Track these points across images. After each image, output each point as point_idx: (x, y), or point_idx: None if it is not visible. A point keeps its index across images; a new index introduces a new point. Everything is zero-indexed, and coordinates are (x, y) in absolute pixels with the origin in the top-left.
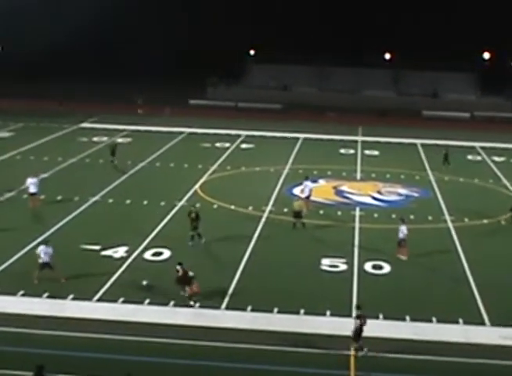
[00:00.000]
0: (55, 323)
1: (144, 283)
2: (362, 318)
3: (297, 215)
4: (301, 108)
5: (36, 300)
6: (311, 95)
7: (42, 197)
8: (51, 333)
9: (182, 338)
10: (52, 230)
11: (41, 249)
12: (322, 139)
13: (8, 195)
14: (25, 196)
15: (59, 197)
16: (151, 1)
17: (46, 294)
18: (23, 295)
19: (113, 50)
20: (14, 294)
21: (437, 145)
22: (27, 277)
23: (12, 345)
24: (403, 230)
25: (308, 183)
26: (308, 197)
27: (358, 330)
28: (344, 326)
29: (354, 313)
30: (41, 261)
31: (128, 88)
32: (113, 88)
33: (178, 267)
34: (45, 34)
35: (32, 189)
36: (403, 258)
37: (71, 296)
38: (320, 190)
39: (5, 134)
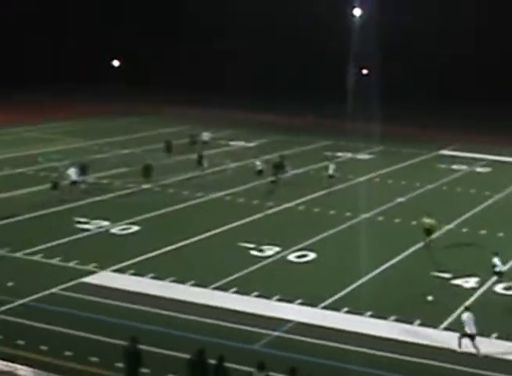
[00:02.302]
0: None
1: (429, 298)
2: None
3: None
4: None
5: (384, 323)
6: None
7: (397, 220)
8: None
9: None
10: (406, 253)
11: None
12: None
13: (363, 216)
14: (380, 218)
15: (413, 222)
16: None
17: (393, 317)
18: (370, 316)
19: None
20: (362, 314)
21: None
22: (375, 300)
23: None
24: None
25: None
26: None
27: None
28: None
29: None
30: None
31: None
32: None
33: None
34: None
35: None
36: None
37: (418, 322)
38: None
39: (365, 156)
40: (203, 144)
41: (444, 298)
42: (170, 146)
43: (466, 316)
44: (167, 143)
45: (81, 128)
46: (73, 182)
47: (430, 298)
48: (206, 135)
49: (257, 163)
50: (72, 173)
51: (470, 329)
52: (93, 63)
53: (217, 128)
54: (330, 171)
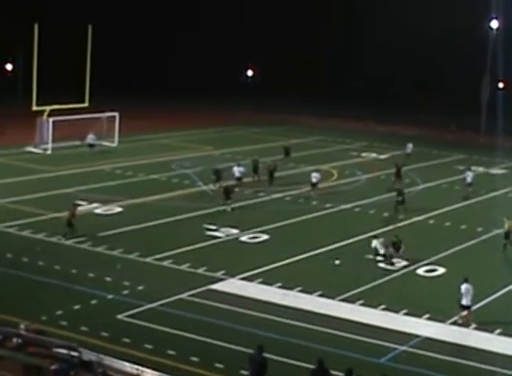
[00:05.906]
0: None
1: (336, 262)
2: None
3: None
4: None
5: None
6: None
7: None
8: None
9: None
10: None
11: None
12: None
13: (496, 231)
14: None
15: None
16: None
17: None
18: (499, 334)
19: None
20: (491, 331)
21: None
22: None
23: None
24: None
25: None
26: None
27: None
28: None
29: None
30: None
31: None
32: None
33: None
34: None
35: None
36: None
37: None
38: None
39: (499, 171)
40: (406, 156)
41: None
42: (257, 165)
43: (464, 287)
44: (254, 163)
45: (214, 137)
46: (238, 179)
47: (337, 262)
48: (409, 147)
49: (314, 174)
50: (236, 171)
51: (466, 301)
52: (227, 72)
53: (351, 139)
54: (469, 180)
